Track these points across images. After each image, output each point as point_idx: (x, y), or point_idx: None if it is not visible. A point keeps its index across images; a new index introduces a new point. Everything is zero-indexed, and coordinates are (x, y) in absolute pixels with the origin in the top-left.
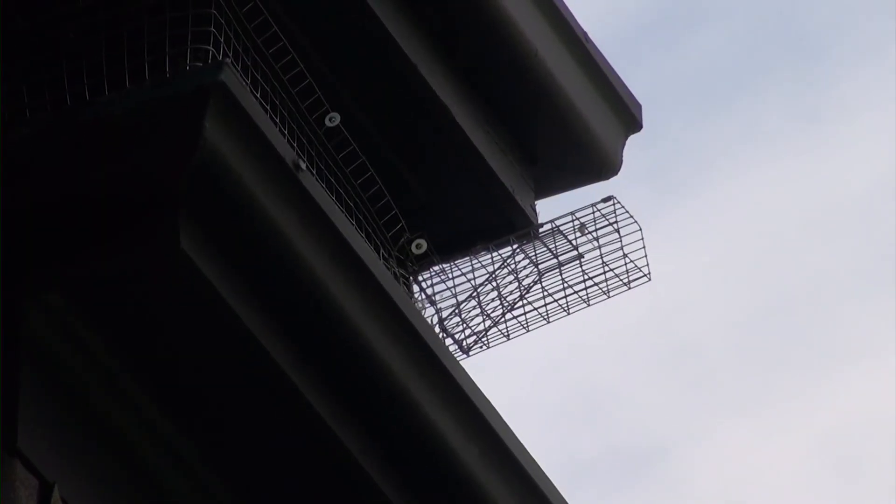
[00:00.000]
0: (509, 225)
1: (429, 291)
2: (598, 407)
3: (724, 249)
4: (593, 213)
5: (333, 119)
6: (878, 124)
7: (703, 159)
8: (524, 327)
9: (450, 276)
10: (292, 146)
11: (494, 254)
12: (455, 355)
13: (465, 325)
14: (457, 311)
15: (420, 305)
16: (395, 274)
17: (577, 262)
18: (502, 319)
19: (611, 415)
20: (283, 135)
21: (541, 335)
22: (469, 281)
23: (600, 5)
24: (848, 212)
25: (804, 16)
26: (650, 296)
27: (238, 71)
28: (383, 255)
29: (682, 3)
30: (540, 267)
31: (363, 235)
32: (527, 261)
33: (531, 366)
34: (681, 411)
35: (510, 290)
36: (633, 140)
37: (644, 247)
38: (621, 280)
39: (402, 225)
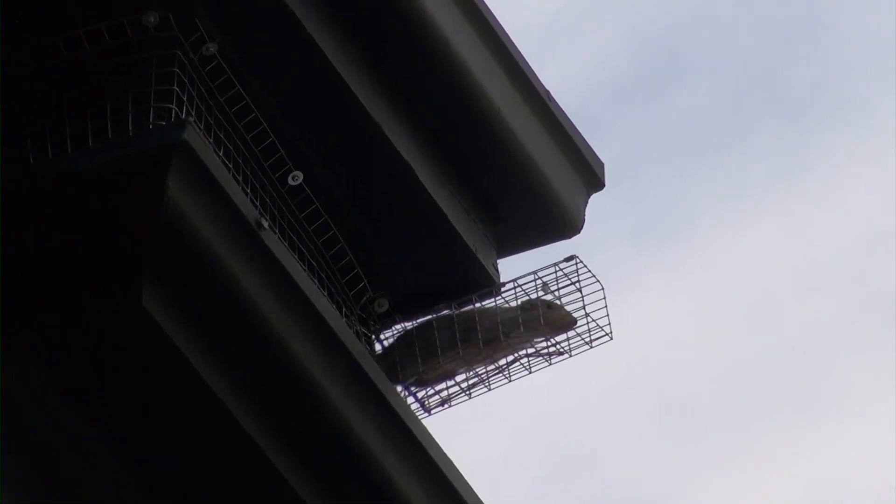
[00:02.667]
0: (471, 284)
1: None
2: (583, 464)
3: (711, 304)
4: (556, 272)
5: (296, 177)
6: (862, 178)
7: (689, 215)
8: (486, 386)
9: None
10: (255, 205)
11: (456, 313)
12: (417, 414)
13: (426, 384)
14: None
15: (388, 356)
16: (357, 332)
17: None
18: (464, 378)
19: (596, 472)
20: (246, 193)
21: (526, 390)
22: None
23: (583, 61)
24: (835, 266)
25: (787, 71)
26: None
27: (201, 129)
28: (346, 313)
29: (665, 58)
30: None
31: (326, 294)
32: None
33: (516, 421)
34: (669, 467)
35: None
36: (618, 197)
37: (606, 306)
38: (583, 339)
39: (365, 283)
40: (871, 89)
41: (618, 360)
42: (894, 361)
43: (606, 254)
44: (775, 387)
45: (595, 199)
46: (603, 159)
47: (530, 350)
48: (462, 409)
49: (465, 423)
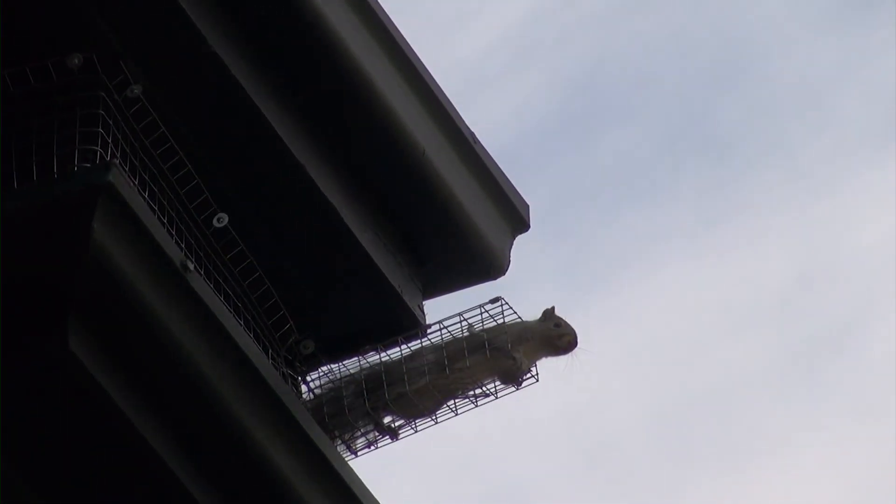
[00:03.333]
0: (397, 325)
1: (317, 392)
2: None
3: (637, 346)
4: (481, 313)
5: (221, 220)
6: (785, 222)
7: (617, 257)
8: (413, 428)
9: (338, 375)
10: (180, 246)
11: (383, 354)
12: (344, 455)
13: (353, 426)
14: (345, 410)
15: (308, 406)
16: (283, 374)
17: None
18: (390, 420)
19: None
20: (172, 235)
21: (458, 431)
22: (356, 382)
23: (511, 103)
24: (760, 309)
25: (714, 115)
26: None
27: (126, 171)
28: (272, 355)
29: (593, 101)
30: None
31: (252, 336)
32: None
33: (447, 464)
34: None
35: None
36: (545, 239)
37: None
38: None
39: (291, 325)
40: (798, 133)
41: (546, 402)
42: (817, 404)
43: (533, 295)
44: (699, 428)
45: (523, 241)
46: (531, 201)
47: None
48: (393, 453)
49: (396, 466)
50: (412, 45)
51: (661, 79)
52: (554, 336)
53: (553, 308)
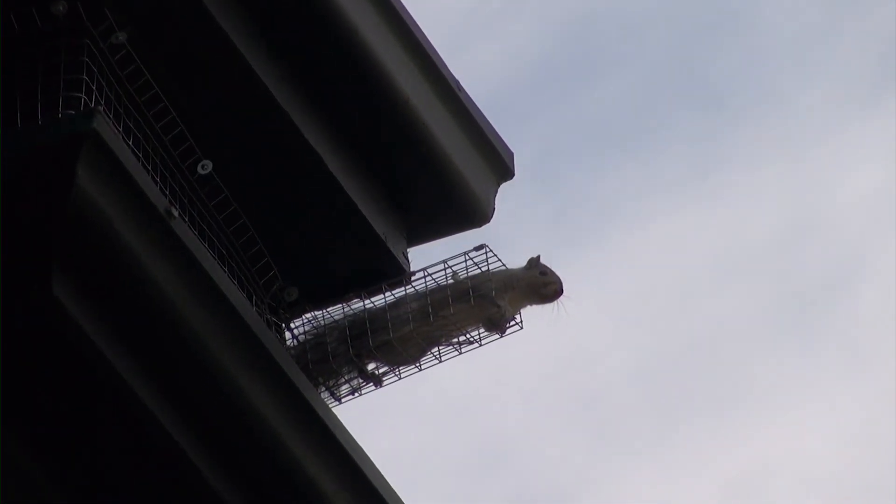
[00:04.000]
0: (382, 272)
1: (301, 338)
2: (501, 454)
3: (626, 297)
4: (465, 260)
5: (206, 166)
6: (777, 173)
7: (606, 208)
8: (396, 375)
9: (322, 323)
10: (164, 193)
11: (367, 302)
12: (327, 402)
13: (336, 373)
14: (328, 357)
15: (292, 352)
16: (267, 321)
17: None
18: (374, 367)
19: (515, 462)
20: (156, 182)
21: (449, 380)
22: (340, 329)
23: (500, 53)
24: (750, 260)
25: (705, 63)
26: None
27: (111, 118)
28: (256, 302)
29: (583, 49)
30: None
31: (235, 283)
32: None
33: (434, 414)
34: (585, 458)
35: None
36: (535, 188)
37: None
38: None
39: (275, 272)
40: (790, 82)
41: (534, 352)
42: (806, 353)
43: (521, 245)
44: (689, 379)
45: (511, 191)
46: (520, 150)
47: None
48: (380, 401)
49: (383, 415)
50: None
51: (654, 27)
52: (539, 284)
53: (538, 256)
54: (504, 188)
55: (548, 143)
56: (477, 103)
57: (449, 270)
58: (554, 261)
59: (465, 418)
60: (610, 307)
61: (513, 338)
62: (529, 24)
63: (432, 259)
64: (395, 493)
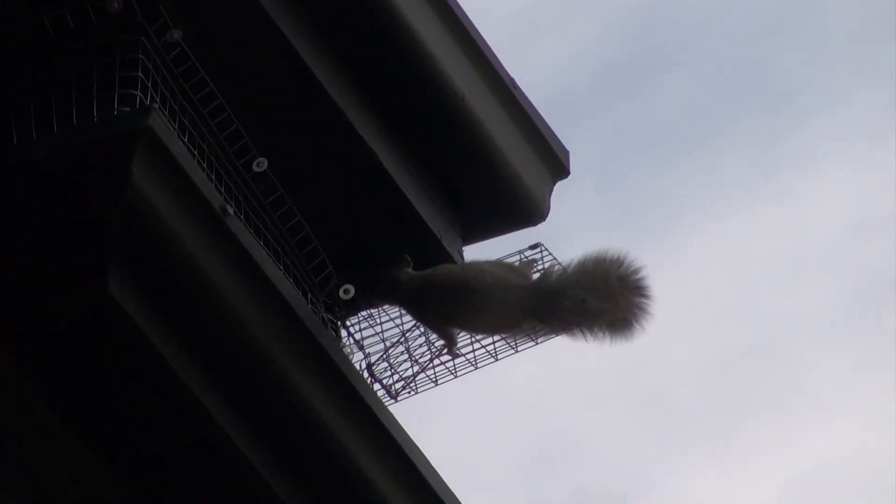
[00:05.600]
0: None
1: (357, 336)
2: (562, 453)
3: (690, 296)
4: (520, 259)
5: (261, 164)
6: (842, 172)
7: (669, 207)
8: (452, 373)
9: (378, 321)
10: (220, 191)
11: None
12: (384, 400)
13: (393, 371)
14: (385, 356)
15: (348, 351)
16: (323, 319)
17: None
18: (430, 365)
19: (576, 461)
20: (211, 179)
21: (515, 378)
22: (397, 326)
23: (565, 51)
24: (815, 258)
25: (771, 62)
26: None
27: (166, 116)
28: (311, 299)
29: (647, 48)
30: None
31: (291, 280)
32: None
33: (494, 412)
34: (647, 457)
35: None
36: (597, 187)
37: None
38: (533, 339)
39: (330, 270)
40: (853, 81)
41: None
42: (873, 353)
43: (581, 244)
44: (752, 378)
45: (571, 190)
46: (582, 150)
47: (497, 337)
48: (440, 399)
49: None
50: None
51: (716, 26)
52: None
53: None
54: (565, 187)
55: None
56: (539, 102)
57: None
58: None
59: (525, 417)
60: (673, 306)
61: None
62: (592, 25)
63: (486, 256)
64: (451, 492)
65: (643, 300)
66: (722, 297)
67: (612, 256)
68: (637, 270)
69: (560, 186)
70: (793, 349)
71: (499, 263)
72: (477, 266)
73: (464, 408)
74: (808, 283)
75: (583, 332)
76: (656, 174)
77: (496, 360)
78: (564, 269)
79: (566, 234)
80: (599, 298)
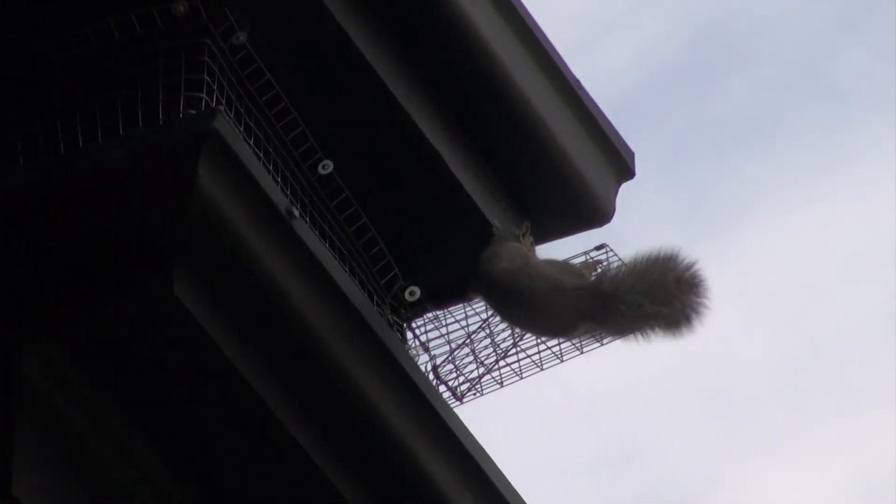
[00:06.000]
0: None
1: (422, 338)
2: (629, 453)
3: (757, 293)
4: (586, 260)
5: (326, 166)
6: None
7: (736, 205)
8: (518, 374)
9: (443, 322)
10: (285, 193)
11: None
12: (449, 402)
13: (458, 372)
14: (450, 358)
15: (414, 352)
16: (388, 321)
17: None
18: (496, 366)
19: (643, 461)
20: (277, 182)
21: (578, 379)
22: (462, 328)
23: (631, 51)
24: (880, 256)
25: (835, 59)
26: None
27: (231, 118)
28: (377, 301)
29: (712, 47)
30: None
31: (356, 282)
32: None
33: (564, 411)
34: (715, 456)
35: (503, 336)
36: (664, 184)
37: None
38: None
39: (396, 272)
40: None
41: (663, 349)
42: None
43: (649, 243)
44: (820, 376)
45: (638, 190)
46: (649, 149)
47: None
48: (506, 399)
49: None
50: None
51: (780, 25)
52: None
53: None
54: (631, 186)
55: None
56: (606, 101)
57: None
58: None
59: (592, 417)
60: (741, 304)
61: None
62: (658, 24)
63: (551, 257)
64: (518, 493)
65: (700, 300)
66: (789, 293)
67: (666, 255)
68: (692, 267)
69: (626, 186)
70: (860, 346)
71: (555, 263)
72: (535, 267)
73: (530, 408)
74: (876, 279)
75: (638, 335)
76: (722, 172)
77: (562, 361)
78: (619, 271)
79: (633, 233)
80: (655, 302)
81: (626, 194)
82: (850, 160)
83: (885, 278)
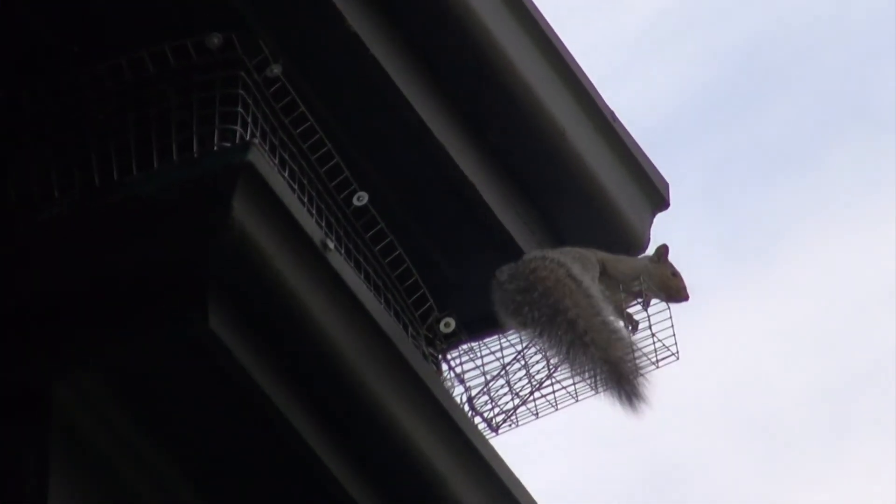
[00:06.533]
0: None
1: (458, 370)
2: (670, 481)
3: (797, 320)
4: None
5: (361, 198)
6: None
7: (776, 231)
8: (553, 406)
9: (478, 354)
10: (320, 226)
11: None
12: (485, 433)
13: (493, 404)
14: (485, 389)
15: (449, 384)
16: (423, 353)
17: None
18: (531, 398)
19: (684, 489)
20: (311, 214)
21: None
22: (497, 359)
23: (668, 78)
24: None
25: (874, 85)
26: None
27: (266, 150)
28: (412, 333)
29: (750, 73)
30: None
31: (392, 314)
32: None
33: (603, 440)
34: (756, 484)
35: (538, 368)
36: (705, 210)
37: (672, 325)
38: (649, 359)
39: (431, 304)
40: None
41: (704, 377)
42: None
43: (688, 270)
44: (861, 403)
45: (677, 216)
46: (687, 176)
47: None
48: (544, 425)
49: (545, 443)
50: (553, 26)
51: (818, 49)
52: (672, 286)
53: (666, 247)
54: (671, 214)
55: (715, 168)
56: (646, 127)
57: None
58: (723, 284)
59: (629, 445)
60: (780, 330)
61: (683, 361)
62: (696, 49)
63: None
64: None
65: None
66: (830, 319)
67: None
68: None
69: (666, 213)
70: None
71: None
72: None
73: (569, 435)
74: None
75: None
76: (761, 198)
77: (597, 392)
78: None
79: (672, 257)
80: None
81: (666, 219)
82: (890, 187)
83: None
